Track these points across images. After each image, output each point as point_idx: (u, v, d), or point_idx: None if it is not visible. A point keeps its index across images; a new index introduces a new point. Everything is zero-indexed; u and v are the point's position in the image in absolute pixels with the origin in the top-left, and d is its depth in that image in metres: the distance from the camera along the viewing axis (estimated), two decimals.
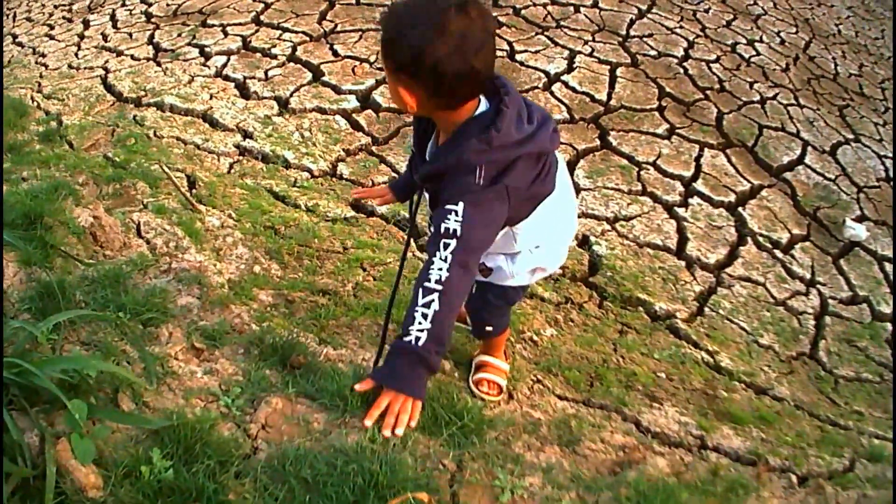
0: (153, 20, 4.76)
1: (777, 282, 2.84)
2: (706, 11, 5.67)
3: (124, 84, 3.76)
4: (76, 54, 4.37)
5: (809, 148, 3.95)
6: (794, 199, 3.45)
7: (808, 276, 2.96)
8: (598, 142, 3.52)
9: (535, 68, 4.08)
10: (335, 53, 4.07)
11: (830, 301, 2.86)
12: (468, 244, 1.22)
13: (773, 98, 4.41)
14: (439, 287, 1.20)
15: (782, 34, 5.78)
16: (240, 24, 4.48)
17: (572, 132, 3.57)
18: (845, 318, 2.81)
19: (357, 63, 3.95)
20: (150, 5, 5.05)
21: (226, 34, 4.33)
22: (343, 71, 3.88)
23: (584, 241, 2.77)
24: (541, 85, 3.93)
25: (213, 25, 4.48)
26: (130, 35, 4.55)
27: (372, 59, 3.99)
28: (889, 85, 5.82)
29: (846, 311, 2.86)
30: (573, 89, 3.93)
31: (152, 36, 4.43)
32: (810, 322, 2.69)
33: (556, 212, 1.45)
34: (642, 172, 3.30)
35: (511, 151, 1.24)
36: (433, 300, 1.20)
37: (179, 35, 4.42)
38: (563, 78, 4.02)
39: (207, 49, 4.12)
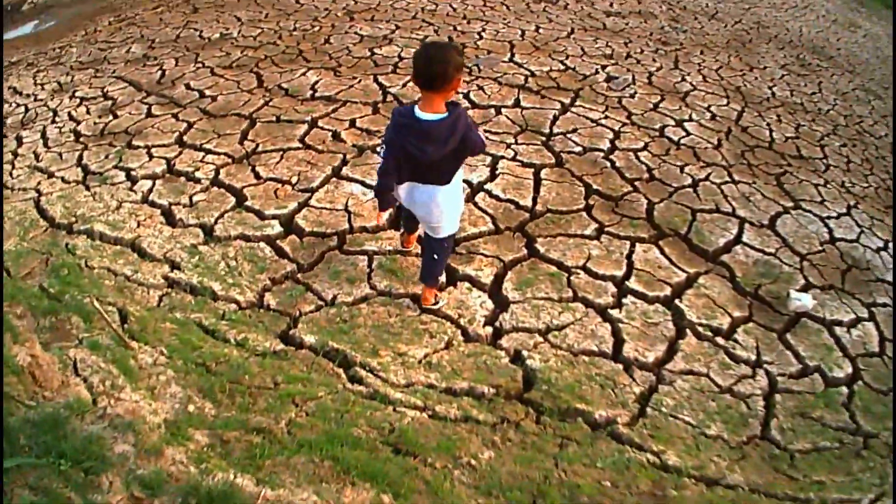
0: (82, 139, 5.55)
1: (721, 369, 3.43)
2: (632, 97, 6.68)
3: (56, 209, 4.41)
4: (10, 173, 5.09)
5: (746, 225, 4.73)
6: (733, 281, 4.14)
7: (752, 357, 3.56)
8: (525, 251, 4.13)
9: None
10: (257, 176, 4.75)
11: (779, 378, 3.46)
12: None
13: (706, 179, 5.25)
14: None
15: (713, 108, 6.84)
16: (164, 145, 5.24)
17: (498, 243, 4.18)
18: (796, 392, 3.41)
19: (279, 185, 4.62)
20: (78, 123, 5.87)
21: (151, 156, 5.08)
22: (265, 194, 4.52)
23: (516, 357, 3.31)
24: (465, 196, 4.54)
25: (138, 147, 5.24)
26: (60, 155, 5.29)
27: (294, 180, 4.68)
28: (828, 142, 6.90)
29: (797, 384, 3.47)
30: (497, 198, 4.60)
31: (81, 157, 5.18)
32: (759, 403, 3.26)
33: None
34: (572, 278, 3.91)
35: None
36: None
37: (107, 157, 5.15)
38: (487, 186, 4.70)
39: (133, 172, 4.84)
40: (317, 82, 6.28)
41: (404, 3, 9.31)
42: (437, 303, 3.61)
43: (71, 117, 6.00)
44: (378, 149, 3.97)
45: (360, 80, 6.30)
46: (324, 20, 8.44)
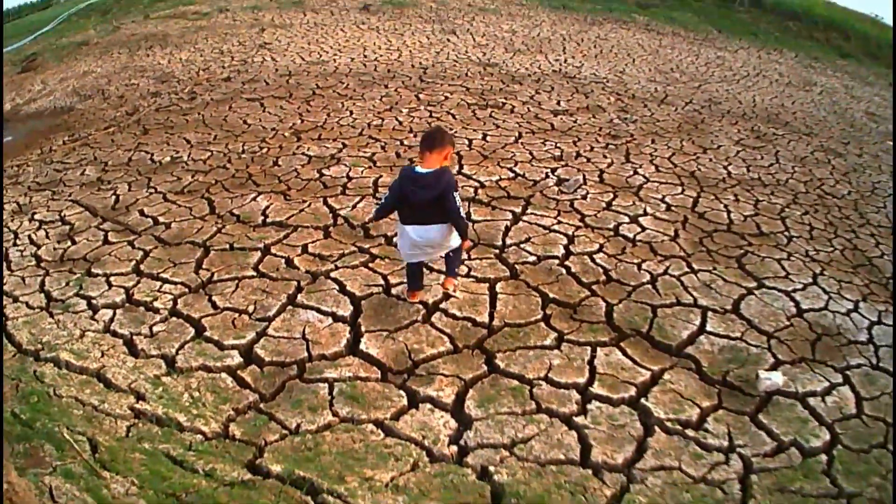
0: (43, 264, 6.02)
1: (692, 460, 3.85)
2: (584, 198, 7.33)
3: (23, 334, 4.82)
4: None
5: (709, 313, 5.28)
6: (699, 372, 4.63)
7: (724, 443, 4.00)
8: (485, 367, 4.47)
9: (413, 301, 5.13)
10: (214, 306, 5.17)
11: (754, 459, 3.90)
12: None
13: (665, 273, 5.82)
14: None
15: (667, 198, 7.54)
16: (122, 273, 5.70)
17: (457, 362, 4.56)
18: (773, 470, 3.83)
19: (236, 315, 5.04)
20: (38, 247, 6.36)
21: (110, 285, 5.51)
22: (223, 324, 4.92)
23: (483, 473, 3.67)
24: (420, 318, 4.94)
25: (97, 275, 5.69)
26: (23, 279, 5.74)
27: (250, 309, 5.10)
28: (789, 213, 7.63)
29: (773, 462, 3.90)
30: (453, 316, 5.00)
31: (43, 282, 5.63)
32: (735, 487, 3.67)
33: None
34: (535, 389, 4.32)
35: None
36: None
37: (68, 283, 5.59)
38: (442, 306, 5.07)
39: (94, 301, 5.27)
40: (267, 207, 6.80)
41: (350, 120, 10.01)
42: (454, 289, 5.22)
43: (31, 241, 6.51)
44: (384, 197, 4.86)
45: (309, 204, 6.84)
46: (271, 141, 9.08)
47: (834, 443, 4.13)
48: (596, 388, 4.38)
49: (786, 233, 7.08)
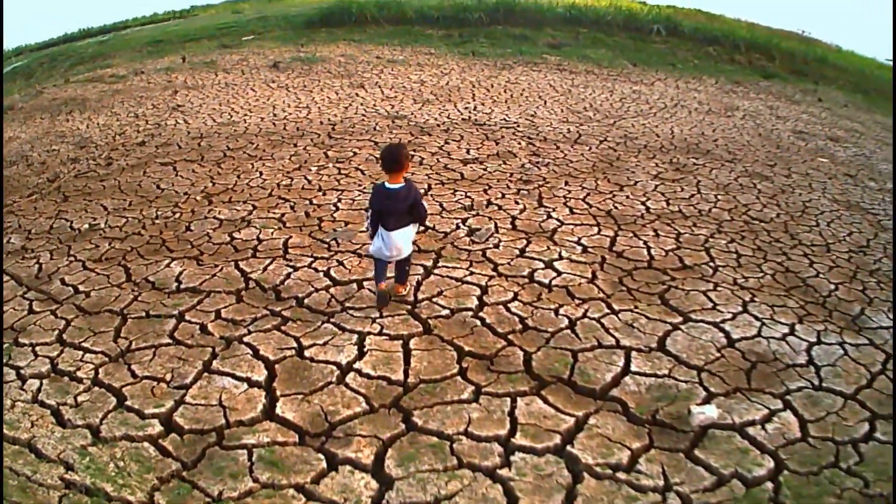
0: None
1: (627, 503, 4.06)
2: (496, 247, 7.67)
3: None
4: None
5: (633, 353, 5.56)
6: (627, 413, 4.86)
7: (660, 483, 4.21)
8: (402, 426, 4.63)
9: (326, 362, 5.38)
10: (133, 374, 5.36)
11: (693, 496, 4.11)
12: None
13: (584, 317, 6.11)
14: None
15: (583, 240, 7.91)
16: (46, 343, 5.87)
17: (374, 422, 4.73)
18: None
19: (155, 383, 5.24)
20: None
21: (36, 355, 5.68)
22: (143, 393, 5.11)
23: None
24: (334, 379, 5.18)
25: (24, 344, 5.85)
26: None
27: (168, 377, 5.29)
28: (714, 242, 8.08)
29: (714, 496, 4.12)
30: (368, 376, 5.20)
31: None
32: None
33: None
34: (455, 445, 4.50)
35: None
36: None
37: None
38: (356, 366, 5.30)
39: (22, 371, 5.45)
40: (181, 273, 7.06)
41: (260, 181, 10.35)
42: (406, 293, 6.44)
43: None
44: (366, 212, 6.36)
45: (221, 268, 7.13)
46: (184, 206, 9.39)
47: (779, 469, 4.38)
48: (518, 439, 4.57)
49: (710, 263, 7.49)
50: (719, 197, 10.13)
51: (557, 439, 4.59)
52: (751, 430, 4.73)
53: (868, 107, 23.75)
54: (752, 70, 27.84)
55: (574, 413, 4.85)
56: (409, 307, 6.28)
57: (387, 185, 5.90)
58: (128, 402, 5.04)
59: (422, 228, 7.52)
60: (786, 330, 6.11)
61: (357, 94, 17.97)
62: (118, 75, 23.11)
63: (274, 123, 14.52)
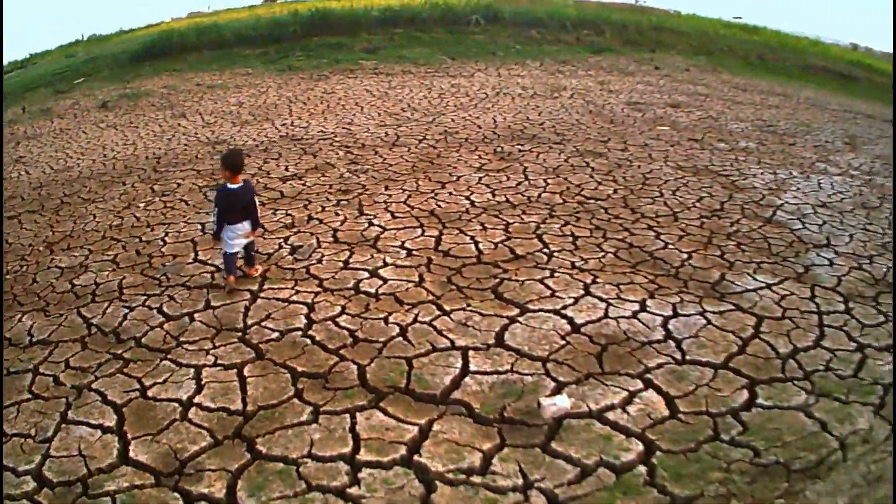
0: None
1: None
2: (320, 262, 7.73)
3: None
4: None
5: (471, 353, 5.60)
6: (472, 415, 4.87)
7: (519, 482, 4.21)
8: (248, 455, 4.75)
9: (168, 399, 5.48)
10: (3, 433, 5.32)
11: (558, 490, 4.12)
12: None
13: (414, 322, 6.15)
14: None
15: (407, 244, 8.00)
16: None
17: (221, 455, 4.77)
18: (584, 496, 4.09)
19: (23, 440, 5.23)
20: None
21: None
22: (15, 451, 5.10)
23: None
24: (178, 416, 5.27)
25: None
26: None
27: (33, 432, 5.30)
28: (546, 228, 8.24)
29: (582, 488, 4.16)
30: (208, 409, 5.30)
31: None
32: None
33: None
34: (301, 469, 4.50)
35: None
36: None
37: None
38: (196, 400, 5.44)
39: None
40: (31, 326, 7.17)
41: (94, 224, 10.43)
42: (257, 274, 7.55)
43: None
44: (213, 210, 7.42)
45: (65, 317, 7.25)
46: (29, 258, 9.43)
47: (650, 450, 4.48)
48: (364, 455, 4.59)
49: (545, 250, 7.67)
50: (549, 181, 10.41)
51: (403, 450, 4.60)
52: (610, 416, 4.80)
53: (713, 67, 24.99)
54: (580, 47, 28.93)
55: (416, 421, 4.85)
56: (240, 335, 6.32)
57: (229, 185, 7.20)
58: (3, 462, 5.02)
59: (259, 231, 8.26)
60: (636, 307, 6.28)
61: (179, 124, 18.35)
62: None
63: (104, 164, 14.73)
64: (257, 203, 7.50)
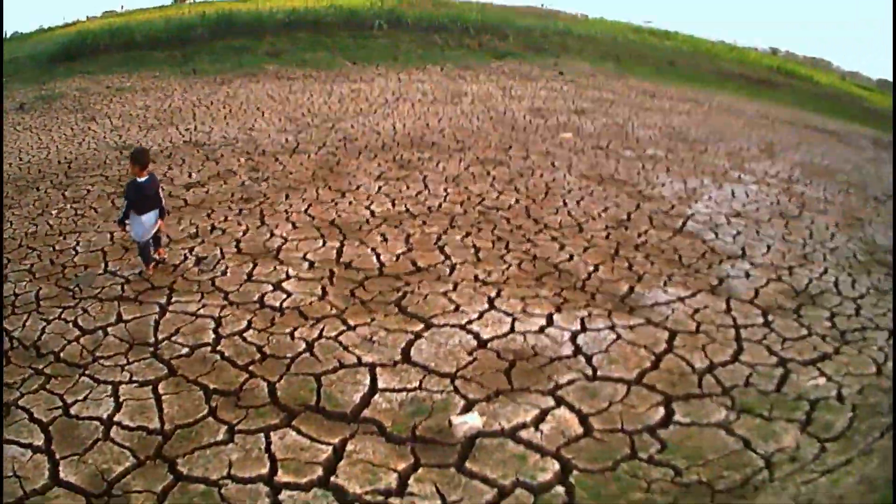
0: None
1: None
2: (224, 273, 7.66)
3: None
4: None
5: (378, 369, 5.59)
6: (384, 434, 4.85)
7: (437, 503, 4.21)
8: (170, 477, 4.67)
9: (90, 418, 5.37)
10: None
11: None
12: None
13: (320, 337, 6.12)
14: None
15: (309, 255, 7.98)
16: None
17: (145, 476, 4.71)
18: None
19: None
20: None
21: None
22: None
23: None
24: (100, 435, 5.16)
25: None
26: None
27: None
28: (448, 239, 8.27)
29: None
30: (128, 428, 5.22)
31: None
32: None
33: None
34: (223, 490, 4.43)
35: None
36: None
37: None
38: (116, 418, 5.35)
39: None
40: None
41: (10, 231, 10.22)
42: (165, 256, 8.35)
43: None
44: (124, 203, 7.88)
45: None
46: None
47: (566, 469, 4.49)
48: (281, 476, 4.57)
49: (448, 262, 7.71)
50: (449, 190, 10.47)
51: (320, 471, 4.58)
52: (524, 434, 4.82)
53: (620, 73, 25.32)
54: (483, 52, 29.14)
55: (330, 441, 4.83)
56: (152, 349, 6.23)
57: (137, 179, 7.88)
58: None
59: (163, 224, 8.61)
60: (542, 322, 6.32)
61: (89, 128, 18.08)
62: None
63: (20, 168, 14.44)
64: (162, 195, 8.25)
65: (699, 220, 9.45)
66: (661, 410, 5.12)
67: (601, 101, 18.75)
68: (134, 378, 5.83)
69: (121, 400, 5.55)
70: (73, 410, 5.51)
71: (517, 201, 9.93)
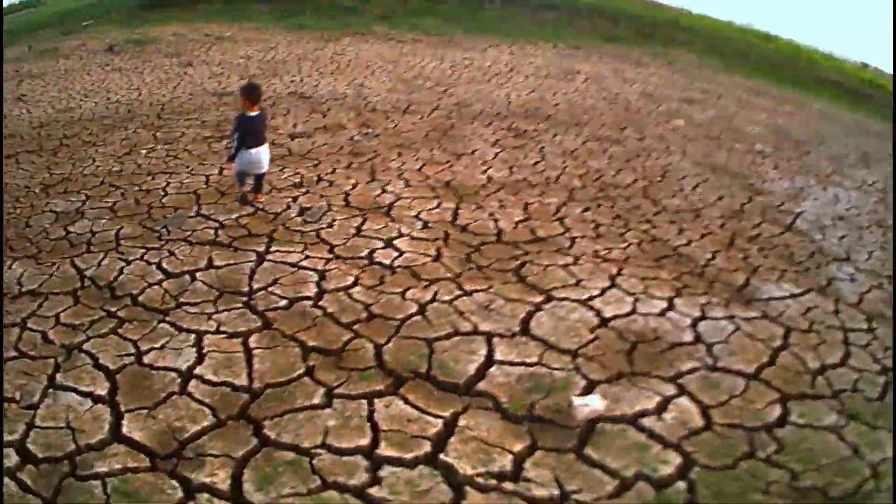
0: None
1: None
2: (330, 226, 7.30)
3: None
4: None
5: (495, 339, 5.15)
6: (500, 410, 4.42)
7: (555, 492, 3.78)
8: (255, 440, 4.27)
9: (166, 368, 5.01)
10: None
11: None
12: None
13: (433, 300, 5.71)
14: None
15: (422, 214, 7.60)
16: None
17: (225, 437, 4.29)
18: None
19: (7, 405, 4.73)
20: None
21: None
22: None
23: None
24: (176, 388, 4.80)
25: None
26: None
27: (18, 396, 4.83)
28: (567, 211, 7.82)
29: (619, 502, 3.74)
30: (210, 382, 4.82)
31: None
32: None
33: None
34: (315, 461, 4.03)
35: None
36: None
37: None
38: (197, 371, 4.97)
39: None
40: (22, 275, 6.72)
41: (93, 168, 10.17)
42: (263, 202, 8.15)
43: None
44: (233, 136, 7.85)
45: (58, 267, 6.80)
46: (24, 200, 9.08)
47: (688, 465, 4.06)
48: (384, 450, 4.16)
49: (567, 234, 7.26)
50: (567, 163, 9.99)
51: (428, 447, 4.16)
52: (646, 422, 4.37)
53: (725, 68, 24.60)
54: (594, 34, 28.52)
55: (440, 413, 4.41)
56: (245, 300, 5.88)
57: (248, 113, 7.78)
58: None
59: None
60: (664, 305, 5.83)
61: (186, 73, 18.06)
62: None
63: (107, 107, 14.44)
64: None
65: (807, 219, 8.84)
66: (778, 409, 4.65)
67: (709, 93, 18.06)
68: (222, 328, 5.50)
69: (204, 351, 5.21)
70: (146, 359, 5.17)
71: (635, 181, 9.44)
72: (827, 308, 6.26)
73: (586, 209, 8.07)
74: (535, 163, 9.92)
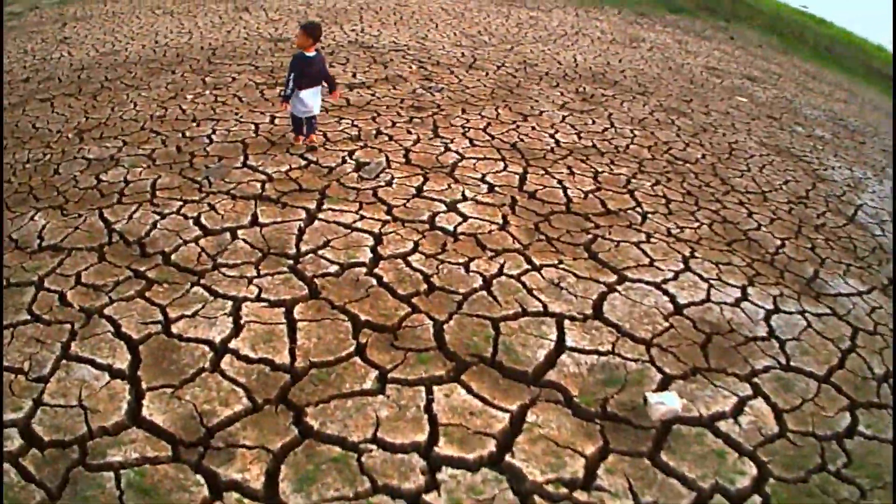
0: None
1: None
2: (389, 184, 6.77)
3: None
4: None
5: (567, 322, 4.69)
6: (570, 405, 3.99)
7: (629, 503, 3.38)
8: (295, 430, 3.80)
9: (197, 340, 4.51)
10: None
11: None
12: None
13: (500, 273, 5.25)
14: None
15: (488, 177, 7.12)
16: None
17: (260, 425, 3.83)
18: None
19: (13, 376, 4.25)
20: None
21: None
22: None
23: None
24: (207, 364, 4.31)
25: None
26: None
27: (27, 366, 4.34)
28: (637, 184, 7.33)
29: None
30: (247, 359, 4.30)
31: None
32: None
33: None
34: (364, 458, 3.58)
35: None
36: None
37: None
38: (232, 345, 4.45)
39: None
40: (44, 227, 6.20)
41: (133, 113, 9.59)
42: (317, 143, 7.96)
43: None
44: (288, 77, 7.54)
45: (85, 219, 6.27)
46: (55, 145, 8.59)
47: (763, 476, 3.68)
48: (443, 448, 3.68)
49: (638, 209, 6.78)
50: (636, 132, 9.48)
51: (492, 445, 3.71)
52: (723, 426, 3.96)
53: (785, 49, 23.92)
54: (657, 3, 27.67)
55: (507, 406, 3.97)
56: (291, 263, 5.39)
57: (305, 53, 7.61)
58: None
59: (339, 92, 9.30)
60: (737, 294, 5.39)
61: (241, 18, 17.58)
62: (14, 12, 22.01)
63: (154, 51, 14.03)
64: (330, 71, 8.46)
65: (867, 212, 8.32)
66: (848, 417, 4.25)
67: (769, 73, 17.41)
68: (263, 295, 4.98)
69: (242, 321, 4.69)
70: (175, 328, 4.66)
71: (703, 156, 8.92)
72: (890, 309, 5.82)
73: (656, 182, 7.59)
74: (604, 129, 9.41)
